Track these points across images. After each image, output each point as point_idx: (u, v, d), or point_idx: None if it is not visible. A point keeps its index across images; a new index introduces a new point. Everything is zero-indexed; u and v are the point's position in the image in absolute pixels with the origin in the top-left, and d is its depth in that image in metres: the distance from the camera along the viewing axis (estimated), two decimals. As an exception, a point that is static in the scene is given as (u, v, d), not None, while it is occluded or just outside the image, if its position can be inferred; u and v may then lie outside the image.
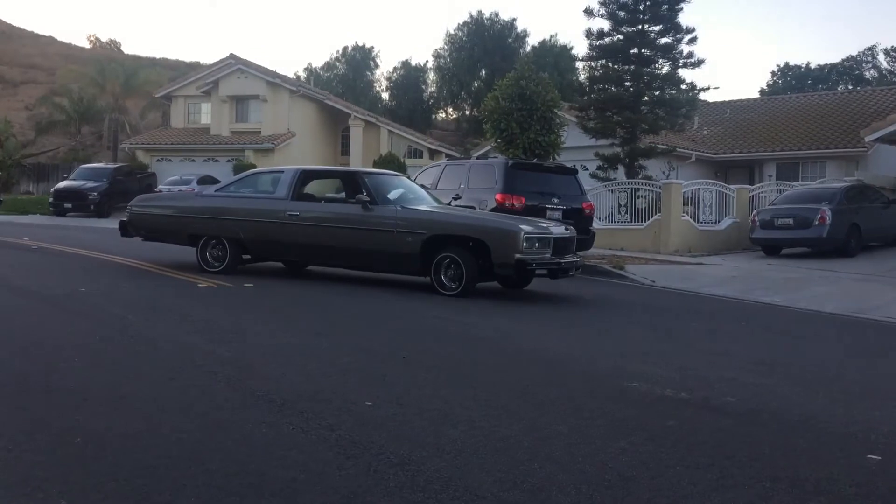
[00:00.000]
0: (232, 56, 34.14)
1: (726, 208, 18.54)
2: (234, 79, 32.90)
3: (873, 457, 3.63)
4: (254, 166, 30.43)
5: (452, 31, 46.20)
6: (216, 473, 3.18)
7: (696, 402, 4.57)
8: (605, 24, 20.77)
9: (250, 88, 32.75)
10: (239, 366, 5.07)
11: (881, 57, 49.00)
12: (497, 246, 8.51)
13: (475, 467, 3.30)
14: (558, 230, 9.08)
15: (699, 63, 20.44)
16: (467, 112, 45.32)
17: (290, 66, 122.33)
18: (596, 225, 14.90)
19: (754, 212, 17.07)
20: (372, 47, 51.73)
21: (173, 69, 50.21)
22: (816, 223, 14.84)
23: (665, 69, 20.83)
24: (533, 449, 3.56)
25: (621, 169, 20.55)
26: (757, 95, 44.90)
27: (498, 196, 12.77)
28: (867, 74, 48.33)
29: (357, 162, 33.07)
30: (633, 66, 20.63)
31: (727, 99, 33.63)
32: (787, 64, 52.16)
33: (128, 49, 69.71)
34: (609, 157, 20.32)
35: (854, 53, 54.84)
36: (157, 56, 61.56)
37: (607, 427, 3.97)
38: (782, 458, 3.58)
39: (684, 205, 18.00)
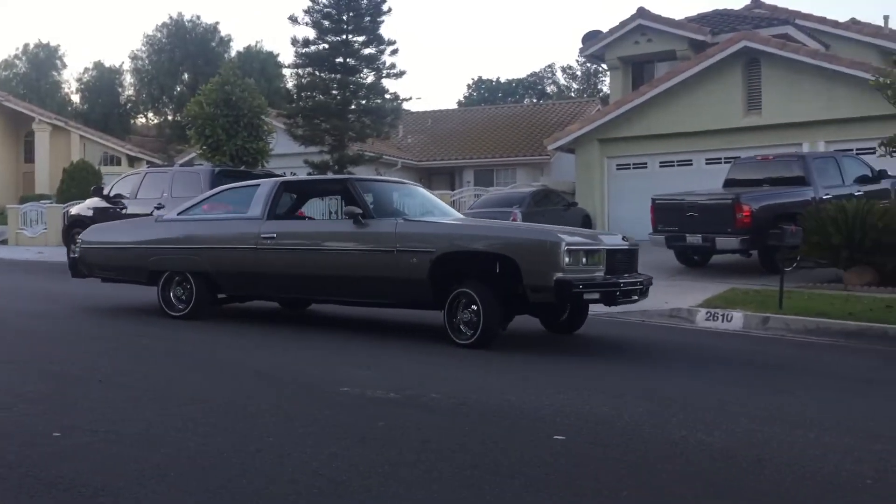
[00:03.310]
0: None
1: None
2: None
3: (559, 437, 3.99)
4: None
5: (150, 33, 43.89)
6: None
7: (404, 401, 4.73)
8: (311, 33, 20.97)
9: None
10: None
11: (559, 74, 54.45)
12: (529, 264, 6.40)
13: (180, 490, 3.14)
14: (612, 240, 7.11)
15: (401, 74, 21.31)
16: (170, 117, 43.24)
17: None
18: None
19: (456, 216, 18.09)
20: (58, 46, 47.64)
21: None
22: (508, 225, 16.08)
23: (370, 79, 21.44)
24: (243, 464, 3.46)
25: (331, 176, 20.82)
26: (455, 106, 47.79)
27: (205, 205, 12.38)
28: (548, 89, 53.39)
29: (44, 170, 30.20)
30: (339, 75, 20.99)
31: (429, 109, 35.45)
32: (480, 77, 56.11)
33: None
34: (318, 164, 20.48)
35: (537, 70, 60.37)
36: None
37: (319, 434, 3.98)
38: (482, 446, 3.82)
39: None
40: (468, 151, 28.33)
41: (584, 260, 6.52)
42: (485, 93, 53.42)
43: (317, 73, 21.32)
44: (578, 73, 52.44)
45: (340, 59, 20.96)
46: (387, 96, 21.54)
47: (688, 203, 12.59)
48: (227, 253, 7.88)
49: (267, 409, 4.49)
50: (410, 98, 31.62)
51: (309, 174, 20.51)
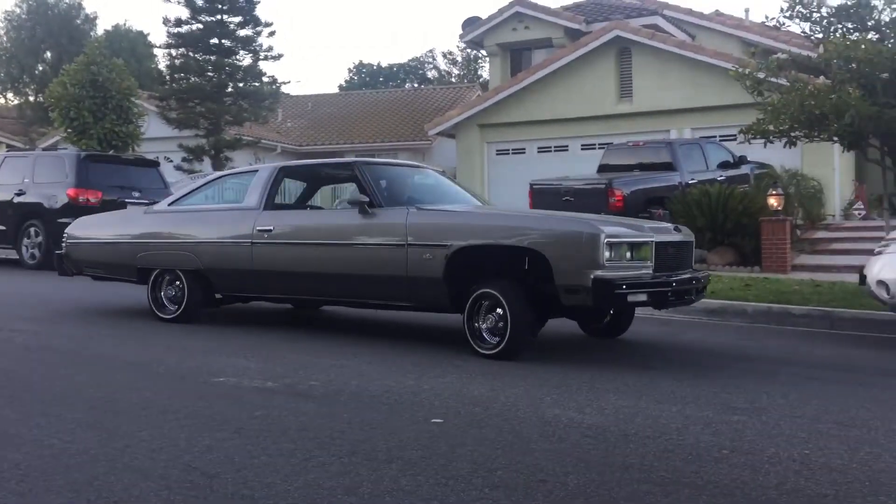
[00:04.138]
0: None
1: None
2: None
3: (437, 420, 4.05)
4: None
5: (9, 8, 41.33)
6: None
7: (282, 389, 4.68)
8: (184, 12, 20.29)
9: None
10: None
11: (440, 59, 54.75)
12: (561, 260, 5.44)
13: (42, 490, 3.00)
14: (662, 231, 6.03)
15: (279, 57, 20.97)
16: (31, 98, 40.87)
17: None
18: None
19: (336, 202, 17.94)
20: None
21: None
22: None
23: (247, 61, 20.98)
24: (112, 460, 3.34)
25: (208, 160, 20.24)
26: (336, 90, 47.26)
27: (70, 191, 11.92)
28: (430, 74, 53.59)
29: None
30: (214, 57, 20.45)
31: (309, 93, 34.94)
32: (361, 62, 55.87)
33: None
34: (194, 148, 19.91)
35: (418, 55, 60.46)
36: None
37: (193, 426, 3.88)
38: (360, 432, 3.83)
39: (272, 196, 18.28)
40: (350, 136, 28.12)
41: (628, 255, 5.54)
42: (366, 77, 53.09)
43: (191, 54, 20.69)
44: (459, 58, 52.85)
45: (215, 40, 20.42)
46: (265, 79, 21.15)
47: (564, 188, 12.98)
48: (221, 248, 7.05)
49: (138, 403, 4.35)
50: (289, 81, 31.47)
51: (184, 159, 19.89)
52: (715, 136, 16.48)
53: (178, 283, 7.26)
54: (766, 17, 10.81)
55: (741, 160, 14.48)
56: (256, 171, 7.46)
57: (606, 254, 5.36)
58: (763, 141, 10.76)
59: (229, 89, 20.69)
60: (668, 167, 13.49)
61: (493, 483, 3.18)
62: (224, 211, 7.41)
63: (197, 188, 7.88)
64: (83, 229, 8.16)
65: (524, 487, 3.14)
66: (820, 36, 10.24)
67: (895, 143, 9.98)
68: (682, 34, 20.28)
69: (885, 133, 9.63)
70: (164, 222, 7.59)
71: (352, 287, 6.49)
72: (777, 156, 14.03)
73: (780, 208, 11.66)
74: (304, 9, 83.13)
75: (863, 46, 9.27)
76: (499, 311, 5.63)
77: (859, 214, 16.11)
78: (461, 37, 24.54)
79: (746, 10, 23.43)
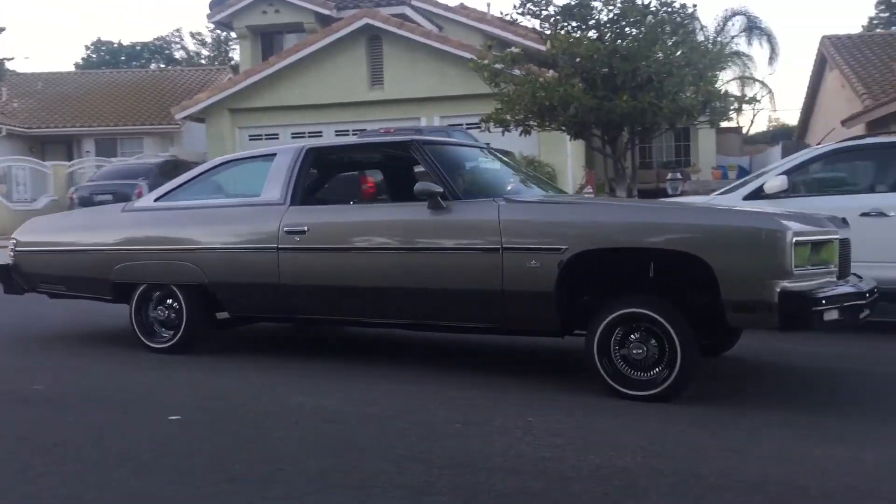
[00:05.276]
0: None
1: (43, 186, 17.83)
2: None
3: (175, 417, 3.93)
4: None
5: None
6: None
7: (1, 395, 4.31)
8: None
9: None
10: None
11: (188, 39, 52.32)
12: (732, 267, 4.05)
13: None
14: (838, 225, 4.59)
15: (1, 30, 18.98)
16: None
17: None
18: None
19: (72, 189, 16.74)
20: None
21: None
22: (135, 198, 15.23)
23: (-40, 33, 18.79)
24: None
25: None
26: (72, 69, 43.66)
27: None
28: (177, 55, 51.05)
29: None
30: (-82, 27, 18.09)
31: (40, 71, 31.98)
32: (100, 39, 51.93)
33: None
34: None
35: (164, 34, 57.28)
36: None
37: None
38: (88, 436, 3.62)
39: (-5, 184, 16.67)
40: (88, 119, 26.13)
41: (811, 258, 4.17)
42: (105, 55, 49.46)
43: None
44: (208, 39, 50.81)
45: (-80, 8, 18.07)
46: (-17, 54, 19.06)
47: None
48: (234, 257, 5.45)
49: None
50: (13, 58, 28.04)
51: None
52: (462, 124, 17.21)
53: (170, 301, 5.70)
54: (502, 13, 11.47)
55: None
56: (274, 154, 5.76)
57: (794, 257, 4.02)
58: (502, 129, 11.43)
59: (-60, 64, 18.54)
60: (418, 153, 13.91)
61: (231, 476, 3.15)
62: (235, 207, 5.68)
63: (189, 179, 6.08)
64: (37, 234, 6.46)
65: (263, 477, 3.14)
66: (548, 32, 11.03)
67: (614, 133, 11.02)
68: (430, 25, 20.94)
69: (605, 123, 10.62)
70: (151, 223, 5.90)
71: (421, 306, 5.01)
72: (517, 144, 14.94)
73: (519, 193, 12.45)
74: (32, -22, 75.63)
75: (585, 43, 10.13)
76: (640, 336, 4.29)
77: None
78: (209, 17, 23.61)
79: (488, 5, 24.74)
